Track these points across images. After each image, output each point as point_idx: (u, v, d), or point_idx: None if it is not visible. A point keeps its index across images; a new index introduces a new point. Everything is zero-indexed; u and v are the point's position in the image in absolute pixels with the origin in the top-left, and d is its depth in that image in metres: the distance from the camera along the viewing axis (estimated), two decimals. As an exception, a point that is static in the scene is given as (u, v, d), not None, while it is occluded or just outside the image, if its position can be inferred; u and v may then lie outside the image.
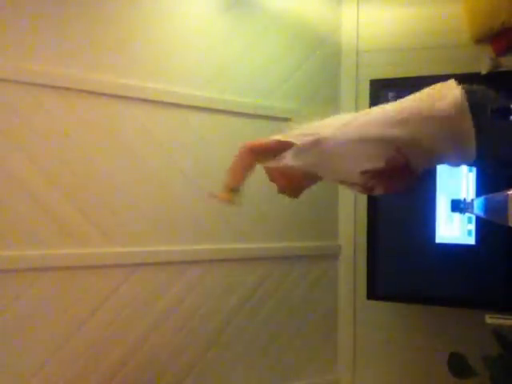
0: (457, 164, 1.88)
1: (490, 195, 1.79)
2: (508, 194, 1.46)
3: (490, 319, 2.62)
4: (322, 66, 3.23)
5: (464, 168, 2.76)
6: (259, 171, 1.92)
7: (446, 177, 2.82)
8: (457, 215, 2.77)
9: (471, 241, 2.80)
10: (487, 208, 1.87)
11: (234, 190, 1.88)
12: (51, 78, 2.36)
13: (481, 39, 2.90)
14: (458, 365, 2.70)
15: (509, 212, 1.44)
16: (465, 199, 2.17)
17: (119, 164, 2.55)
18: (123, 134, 2.56)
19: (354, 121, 1.83)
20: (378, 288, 2.99)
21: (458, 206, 2.11)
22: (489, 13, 2.57)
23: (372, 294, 3.02)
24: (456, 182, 2.81)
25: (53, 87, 2.37)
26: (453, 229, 2.84)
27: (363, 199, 3.04)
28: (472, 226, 2.80)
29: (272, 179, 1.92)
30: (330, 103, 3.24)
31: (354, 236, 3.23)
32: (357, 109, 3.17)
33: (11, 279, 2.27)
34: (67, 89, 2.40)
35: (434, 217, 2.85)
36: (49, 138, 2.37)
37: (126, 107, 2.55)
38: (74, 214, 2.42)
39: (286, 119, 3.05)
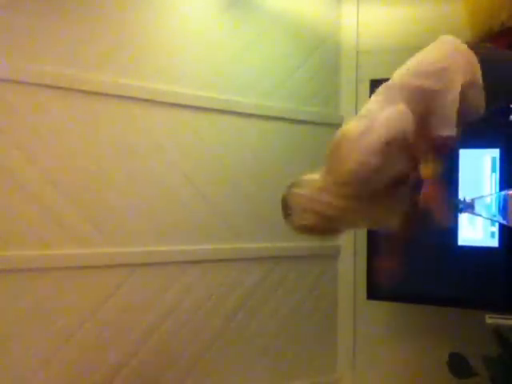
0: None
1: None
2: (508, 194, 1.46)
3: (490, 319, 2.62)
4: (322, 66, 3.23)
5: (487, 167, 2.75)
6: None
7: (467, 176, 2.78)
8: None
9: (471, 241, 2.80)
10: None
11: None
12: (51, 78, 2.35)
13: (481, 39, 2.90)
14: (458, 365, 2.70)
15: (509, 211, 1.44)
16: (464, 199, 2.16)
17: (119, 164, 2.54)
18: (123, 134, 2.56)
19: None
20: (377, 288, 2.98)
21: (456, 205, 2.10)
22: (489, 12, 2.56)
23: (372, 294, 3.02)
24: (478, 181, 2.78)
25: (53, 87, 2.36)
26: (452, 228, 2.84)
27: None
28: (472, 226, 2.80)
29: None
30: (330, 103, 3.25)
31: (354, 236, 3.23)
32: (357, 109, 3.17)
33: (11, 279, 2.27)
34: (67, 89, 2.40)
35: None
36: (49, 138, 2.37)
37: (125, 107, 2.55)
38: (74, 214, 2.42)
39: (286, 119, 3.06)
